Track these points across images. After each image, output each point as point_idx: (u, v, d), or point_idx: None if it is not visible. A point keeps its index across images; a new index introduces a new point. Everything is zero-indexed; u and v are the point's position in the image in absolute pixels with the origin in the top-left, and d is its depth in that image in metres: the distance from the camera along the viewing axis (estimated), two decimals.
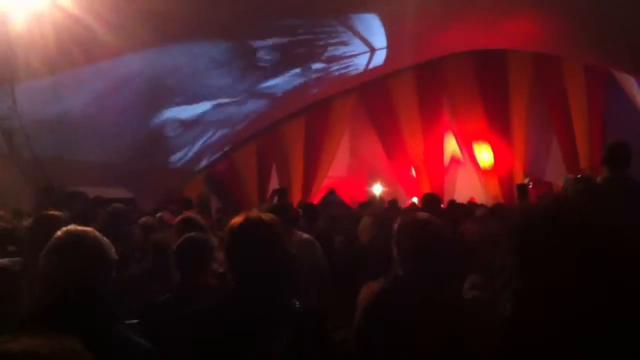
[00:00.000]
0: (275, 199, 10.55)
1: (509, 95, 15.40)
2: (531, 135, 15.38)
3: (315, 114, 15.48)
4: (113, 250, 2.27)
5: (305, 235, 4.93)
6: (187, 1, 8.08)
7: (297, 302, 2.35)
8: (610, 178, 4.15)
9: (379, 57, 13.17)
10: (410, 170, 16.33)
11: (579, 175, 3.77)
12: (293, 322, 2.25)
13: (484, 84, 15.41)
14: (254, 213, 2.44)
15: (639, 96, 13.16)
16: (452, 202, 9.43)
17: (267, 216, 2.44)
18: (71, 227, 2.28)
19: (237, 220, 2.38)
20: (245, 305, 2.28)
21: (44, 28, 7.53)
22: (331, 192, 13.41)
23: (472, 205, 9.38)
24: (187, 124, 11.43)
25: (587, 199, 1.36)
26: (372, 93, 15.77)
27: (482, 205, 10.29)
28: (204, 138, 12.39)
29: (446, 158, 16.70)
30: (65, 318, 1.93)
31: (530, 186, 12.94)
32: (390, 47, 12.61)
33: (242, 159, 14.82)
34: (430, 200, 5.69)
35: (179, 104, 10.92)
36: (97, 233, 2.28)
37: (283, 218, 4.42)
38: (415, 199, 13.66)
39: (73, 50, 7.98)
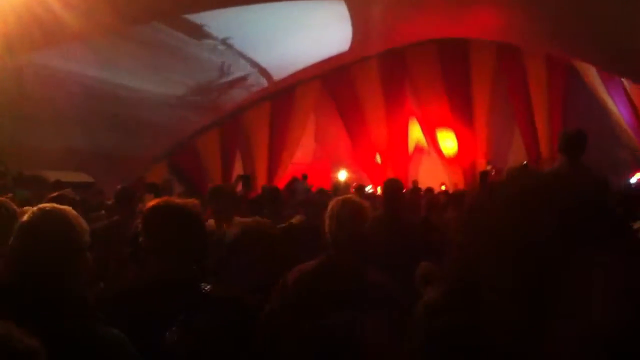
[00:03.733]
0: (240, 185, 10.53)
1: (472, 83, 15.58)
2: (493, 124, 15.58)
3: (279, 100, 15.46)
4: (86, 234, 2.17)
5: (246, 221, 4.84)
6: None
7: (207, 286, 2.36)
8: (565, 165, 4.22)
9: (343, 44, 13.24)
10: (375, 158, 16.43)
11: (521, 165, 3.85)
12: (196, 303, 2.27)
13: (447, 73, 15.57)
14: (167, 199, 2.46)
15: (599, 85, 13.45)
16: (414, 187, 9.53)
17: (181, 201, 2.46)
18: (47, 205, 2.19)
19: (151, 203, 2.40)
20: (155, 287, 2.29)
21: (4, 9, 7.41)
22: (295, 179, 13.38)
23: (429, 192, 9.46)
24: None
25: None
26: (337, 80, 15.80)
27: (444, 193, 10.45)
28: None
29: (410, 146, 16.85)
30: (19, 302, 1.89)
31: (493, 174, 13.11)
32: (354, 34, 12.65)
33: (205, 146, 14.72)
34: (392, 186, 5.69)
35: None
36: (72, 213, 2.12)
37: (224, 202, 4.45)
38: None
39: (34, 33, 7.85)
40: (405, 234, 4.78)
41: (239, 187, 10.40)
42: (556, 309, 1.09)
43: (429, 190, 9.42)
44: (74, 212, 2.12)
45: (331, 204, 3.19)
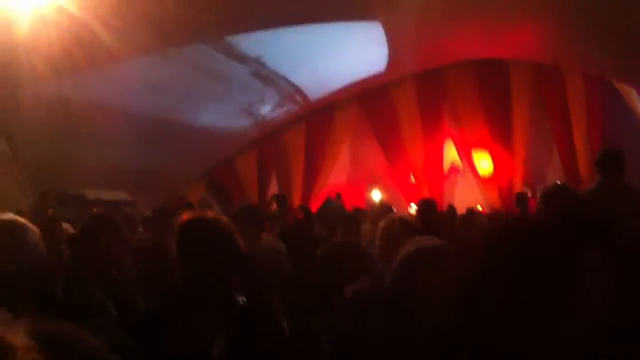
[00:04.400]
0: (274, 205, 10.59)
1: (511, 104, 15.44)
2: (532, 144, 15.40)
3: (316, 121, 15.56)
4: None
5: (273, 241, 4.88)
6: (188, 5, 8.15)
7: (244, 300, 2.38)
8: (603, 184, 4.19)
9: (380, 65, 13.29)
10: (410, 178, 16.38)
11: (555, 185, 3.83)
12: (236, 317, 2.29)
13: (486, 93, 15.46)
14: (204, 211, 2.49)
15: (638, 103, 13.25)
16: (451, 207, 9.47)
17: (216, 215, 2.49)
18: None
19: (187, 216, 2.43)
20: (189, 298, 2.33)
21: (48, 32, 7.62)
22: (329, 199, 13.36)
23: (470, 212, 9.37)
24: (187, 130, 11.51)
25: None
26: (374, 101, 15.83)
27: (480, 214, 10.37)
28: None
29: (446, 166, 16.75)
30: None
31: (530, 195, 12.96)
32: (391, 55, 12.70)
33: (243, 166, 14.89)
34: (426, 205, 5.72)
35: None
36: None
37: (251, 222, 4.46)
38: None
39: (76, 54, 8.05)
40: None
41: (274, 207, 10.48)
42: (556, 309, 1.12)
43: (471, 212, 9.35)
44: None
45: (382, 223, 3.22)
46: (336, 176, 16.26)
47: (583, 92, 14.90)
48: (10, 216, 2.52)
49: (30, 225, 2.50)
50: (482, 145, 15.74)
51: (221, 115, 12.17)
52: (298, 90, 13.11)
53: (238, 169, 14.81)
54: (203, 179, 13.83)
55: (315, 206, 14.13)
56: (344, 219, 5.92)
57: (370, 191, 16.68)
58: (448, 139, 16.38)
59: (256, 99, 12.46)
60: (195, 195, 12.04)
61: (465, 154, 16.25)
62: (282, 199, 11.14)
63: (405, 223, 3.25)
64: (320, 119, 15.53)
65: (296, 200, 14.70)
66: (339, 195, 13.99)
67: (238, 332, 2.22)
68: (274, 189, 15.13)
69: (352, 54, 12.11)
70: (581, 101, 14.93)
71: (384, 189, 16.50)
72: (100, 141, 9.49)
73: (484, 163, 15.77)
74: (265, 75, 11.63)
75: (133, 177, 10.59)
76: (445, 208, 10.35)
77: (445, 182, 16.50)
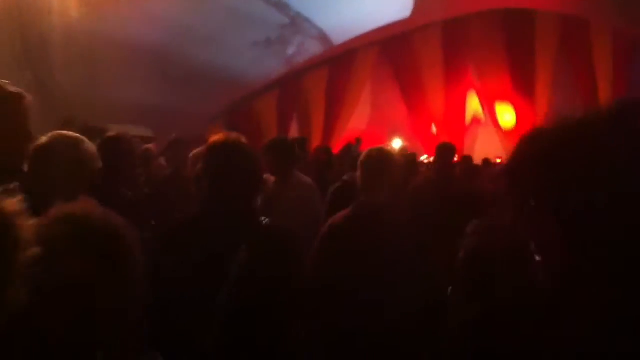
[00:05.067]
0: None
1: (535, 56, 15.24)
2: (555, 97, 15.26)
3: (338, 65, 15.46)
4: None
5: (306, 179, 4.57)
6: None
7: (266, 220, 2.47)
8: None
9: (405, 11, 13.13)
10: (431, 127, 16.32)
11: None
12: (258, 237, 2.37)
13: (510, 44, 15.28)
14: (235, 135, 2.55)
15: None
16: (467, 158, 9.46)
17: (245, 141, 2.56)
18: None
19: (218, 138, 2.51)
20: (214, 217, 2.42)
21: None
22: (349, 144, 13.33)
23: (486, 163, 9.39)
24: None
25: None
26: (397, 47, 15.68)
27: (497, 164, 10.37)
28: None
29: (468, 117, 16.66)
30: None
31: None
32: (417, 1, 12.55)
33: (263, 107, 14.90)
34: (444, 149, 5.68)
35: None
36: None
37: (282, 156, 4.41)
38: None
39: None
40: (454, 195, 4.81)
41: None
42: None
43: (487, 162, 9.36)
44: None
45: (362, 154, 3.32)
46: (356, 121, 16.24)
47: (609, 46, 14.67)
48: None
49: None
50: (505, 97, 15.61)
51: (244, 56, 12.14)
52: (321, 34, 13.00)
53: (258, 110, 14.82)
54: (222, 118, 13.88)
55: (335, 150, 14.17)
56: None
57: (390, 138, 16.65)
58: (471, 89, 16.25)
59: (280, 40, 12.39)
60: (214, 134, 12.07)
61: (488, 105, 16.13)
62: (303, 142, 11.20)
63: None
64: (342, 63, 15.43)
65: (316, 144, 14.74)
66: (358, 140, 13.98)
67: (259, 248, 2.30)
68: (293, 131, 15.15)
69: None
70: (607, 54, 14.72)
71: (404, 137, 16.46)
72: (124, 77, 9.54)
73: (506, 115, 15.66)
74: (289, 17, 11.56)
75: (155, 115, 10.66)
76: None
77: (466, 133, 16.44)
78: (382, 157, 3.28)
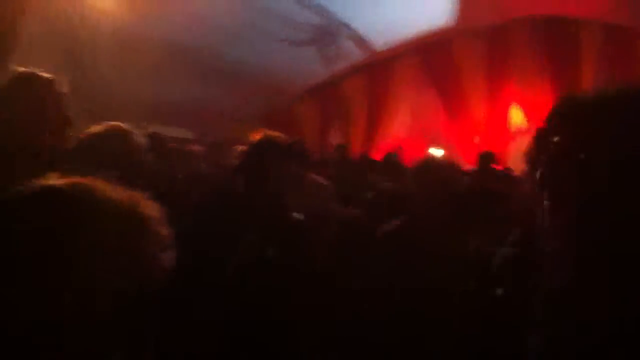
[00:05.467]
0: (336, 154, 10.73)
1: (579, 65, 14.97)
2: None
3: (378, 71, 15.44)
4: None
5: (320, 180, 4.54)
6: None
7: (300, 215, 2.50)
8: None
9: (447, 17, 13.05)
10: (472, 137, 16.13)
11: None
12: (289, 229, 2.39)
13: (554, 53, 15.01)
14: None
15: None
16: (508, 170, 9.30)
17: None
18: None
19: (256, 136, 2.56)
20: (246, 208, 2.45)
21: None
22: (389, 154, 13.25)
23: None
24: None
25: None
26: (437, 55, 15.56)
27: None
28: None
29: (511, 127, 16.43)
30: None
31: None
32: (459, 7, 12.47)
33: (302, 112, 14.96)
34: (486, 156, 5.63)
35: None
36: None
37: (297, 158, 4.40)
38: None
39: None
40: (492, 201, 4.75)
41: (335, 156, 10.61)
42: None
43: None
44: None
45: (415, 165, 3.28)
46: (396, 129, 16.16)
47: None
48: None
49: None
50: (549, 107, 15.33)
51: (284, 59, 12.19)
52: (361, 39, 12.99)
53: (298, 113, 14.88)
54: (262, 121, 13.95)
55: (376, 157, 14.14)
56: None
57: (431, 147, 16.50)
58: (514, 99, 16.03)
59: (320, 44, 12.43)
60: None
61: (532, 116, 15.87)
62: (343, 149, 11.24)
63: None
64: (382, 69, 15.40)
65: (356, 150, 14.72)
66: (399, 149, 13.91)
67: (290, 242, 2.33)
68: (333, 137, 15.18)
69: (419, 4, 11.94)
70: None
71: (444, 146, 16.29)
72: (160, 77, 9.66)
73: None
74: (329, 21, 11.59)
75: (195, 116, 10.78)
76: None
77: (510, 144, 16.19)
78: (440, 168, 3.26)
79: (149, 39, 9.14)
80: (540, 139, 1.23)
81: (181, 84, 10.21)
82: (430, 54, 15.56)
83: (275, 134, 2.66)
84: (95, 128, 2.58)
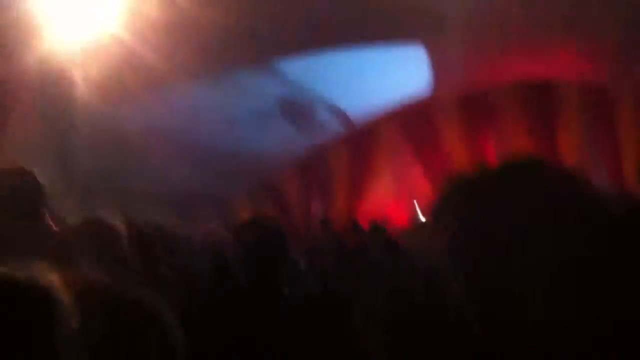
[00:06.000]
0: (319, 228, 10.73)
1: (557, 126, 15.22)
2: (580, 167, 15.08)
3: (360, 143, 15.60)
4: None
5: None
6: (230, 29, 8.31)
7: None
8: None
9: (422, 87, 13.28)
10: None
11: None
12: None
13: (532, 115, 15.26)
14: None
15: None
16: None
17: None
18: None
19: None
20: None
21: (99, 57, 7.86)
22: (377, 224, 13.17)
23: None
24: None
25: None
26: (416, 123, 15.76)
27: None
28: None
29: None
30: None
31: None
32: (433, 77, 12.70)
33: (287, 187, 15.01)
34: None
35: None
36: None
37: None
38: None
39: (127, 80, 8.29)
40: None
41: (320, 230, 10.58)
42: None
43: None
44: None
45: None
46: (380, 196, 16.20)
47: (633, 115, 14.57)
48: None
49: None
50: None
51: (265, 136, 12.27)
52: (340, 112, 13.15)
53: (281, 189, 14.91)
54: (248, 200, 13.93)
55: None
56: None
57: (416, 212, 16.50)
58: (494, 162, 16.19)
59: (299, 120, 12.54)
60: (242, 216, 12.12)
61: None
62: (326, 222, 11.24)
63: None
64: (364, 140, 15.55)
65: (339, 221, 14.70)
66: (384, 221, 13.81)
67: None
68: (316, 209, 15.20)
69: (395, 77, 12.15)
70: (631, 123, 14.59)
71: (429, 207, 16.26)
72: (148, 167, 9.67)
73: None
74: (308, 98, 11.74)
75: (181, 203, 10.72)
76: None
77: None
78: None
79: (136, 128, 9.20)
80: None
81: (166, 171, 10.21)
82: (409, 123, 15.76)
83: (269, 217, 2.74)
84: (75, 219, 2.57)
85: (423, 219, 15.24)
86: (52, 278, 1.10)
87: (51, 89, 8.18)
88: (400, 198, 17.02)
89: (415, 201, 16.53)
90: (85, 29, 7.66)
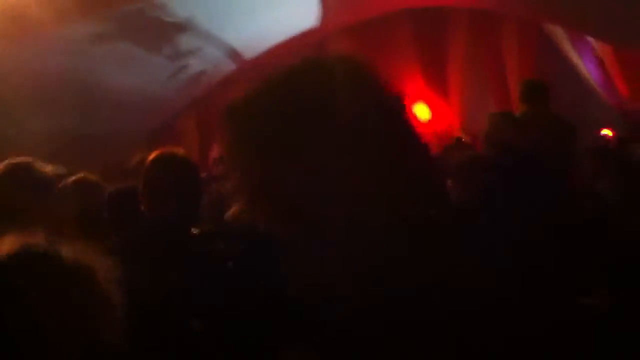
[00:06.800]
0: (219, 167, 10.62)
1: (446, 53, 15.67)
2: (468, 90, 15.65)
3: (255, 80, 15.44)
4: None
5: None
6: None
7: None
8: (528, 113, 4.33)
9: (313, 19, 13.24)
10: None
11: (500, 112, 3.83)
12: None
13: (422, 43, 15.63)
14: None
15: (568, 45, 13.66)
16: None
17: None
18: None
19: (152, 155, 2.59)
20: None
21: None
22: None
23: None
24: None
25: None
26: (308, 53, 15.78)
27: None
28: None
29: None
30: None
31: (467, 139, 13.22)
32: (324, 8, 12.68)
33: (184, 127, 14.78)
34: None
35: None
36: None
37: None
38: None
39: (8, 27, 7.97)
40: None
41: (218, 169, 10.49)
42: None
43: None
44: None
45: None
46: None
47: (516, 38, 15.15)
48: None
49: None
50: (420, 96, 15.93)
51: (157, 77, 11.96)
52: (231, 49, 12.95)
53: (179, 131, 14.68)
54: (145, 142, 13.61)
55: None
56: None
57: None
58: None
59: (189, 59, 12.28)
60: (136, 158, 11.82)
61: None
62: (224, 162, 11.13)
63: None
64: (258, 77, 15.41)
65: None
66: None
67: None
68: (216, 150, 15.07)
69: (284, 9, 12.06)
70: (514, 46, 15.19)
71: None
72: (38, 108, 9.28)
73: (421, 111, 15.99)
74: (197, 35, 11.48)
75: (68, 144, 10.36)
76: None
77: None
78: None
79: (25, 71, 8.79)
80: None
81: (58, 114, 9.83)
82: (300, 55, 15.72)
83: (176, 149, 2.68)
84: None
85: None
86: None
87: None
88: None
89: None
90: None
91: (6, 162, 2.72)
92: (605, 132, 12.72)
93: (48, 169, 2.75)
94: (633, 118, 12.69)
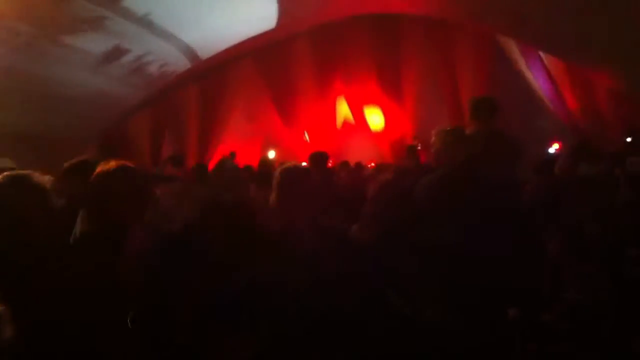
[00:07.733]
0: (169, 167, 10.52)
1: (401, 60, 15.83)
2: (421, 98, 15.82)
3: (210, 79, 15.41)
4: None
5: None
6: None
7: None
8: (477, 131, 4.40)
9: (271, 21, 13.20)
10: (304, 136, 16.50)
11: (449, 128, 3.88)
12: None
13: (377, 49, 15.77)
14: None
15: (519, 58, 13.95)
16: (345, 164, 9.62)
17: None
18: None
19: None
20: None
21: None
22: (224, 159, 13.26)
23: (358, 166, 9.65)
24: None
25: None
26: (268, 58, 15.80)
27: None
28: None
29: (339, 123, 16.98)
30: None
31: (419, 148, 13.35)
32: (282, 11, 12.65)
33: (135, 127, 14.58)
34: (316, 158, 5.81)
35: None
36: None
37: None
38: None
39: None
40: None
41: (169, 170, 10.40)
42: None
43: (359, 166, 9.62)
44: None
45: (276, 173, 3.37)
46: (233, 135, 16.17)
47: (470, 49, 15.38)
48: None
49: None
50: (373, 101, 16.05)
51: (110, 76, 11.75)
52: (187, 48, 12.81)
53: (130, 130, 14.47)
54: (95, 142, 13.38)
55: (211, 165, 14.03)
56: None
57: (266, 150, 16.65)
58: (340, 95, 16.58)
59: (146, 57, 12.10)
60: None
61: (357, 110, 16.49)
62: (178, 160, 11.04)
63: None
64: (214, 77, 15.40)
65: (191, 161, 14.54)
66: (233, 155, 13.95)
67: None
68: (167, 149, 14.93)
69: (242, 10, 11.99)
70: (468, 57, 15.42)
71: (280, 147, 16.52)
72: None
73: (375, 118, 16.10)
74: (153, 33, 11.30)
75: (15, 143, 10.13)
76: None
77: (338, 139, 16.70)
78: (298, 172, 3.39)
79: None
80: None
81: (10, 113, 9.62)
82: (259, 58, 15.74)
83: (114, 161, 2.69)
84: None
85: (269, 158, 15.42)
86: None
87: None
88: (251, 136, 17.07)
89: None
90: None
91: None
92: (555, 146, 13.00)
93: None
94: (581, 132, 13.01)
